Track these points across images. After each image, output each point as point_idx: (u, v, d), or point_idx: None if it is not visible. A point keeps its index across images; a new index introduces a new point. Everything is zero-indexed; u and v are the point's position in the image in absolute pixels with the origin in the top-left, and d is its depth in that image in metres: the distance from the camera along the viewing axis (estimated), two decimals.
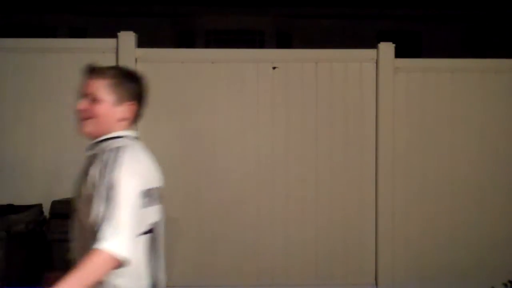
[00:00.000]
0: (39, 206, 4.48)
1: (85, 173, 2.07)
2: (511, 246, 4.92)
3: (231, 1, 8.47)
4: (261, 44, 8.55)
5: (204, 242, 4.81)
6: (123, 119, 2.15)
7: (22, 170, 4.72)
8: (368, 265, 4.86)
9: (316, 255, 4.70)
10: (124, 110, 2.14)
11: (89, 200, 1.97)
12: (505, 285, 4.66)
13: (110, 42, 4.78)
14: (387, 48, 4.88)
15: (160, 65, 4.84)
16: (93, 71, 2.12)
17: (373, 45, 4.93)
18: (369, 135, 4.85)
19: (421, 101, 4.93)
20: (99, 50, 4.78)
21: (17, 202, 4.48)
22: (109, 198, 1.93)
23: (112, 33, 4.81)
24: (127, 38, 4.77)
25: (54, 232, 4.15)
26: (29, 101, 4.75)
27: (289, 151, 4.85)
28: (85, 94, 2.10)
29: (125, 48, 4.74)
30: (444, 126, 4.93)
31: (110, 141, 2.09)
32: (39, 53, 4.77)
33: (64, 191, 4.52)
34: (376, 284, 4.86)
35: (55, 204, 4.29)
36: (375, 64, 4.86)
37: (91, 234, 1.93)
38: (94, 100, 2.08)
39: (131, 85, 2.17)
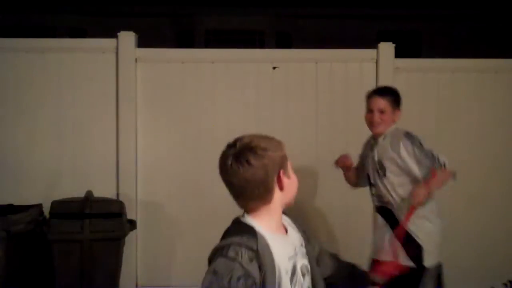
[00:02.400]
0: (39, 206, 4.48)
1: (379, 152, 3.37)
2: (511, 246, 4.93)
3: (231, 1, 8.47)
4: (261, 44, 8.54)
5: (204, 242, 4.81)
6: (394, 121, 3.39)
7: (22, 170, 4.72)
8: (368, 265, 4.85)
9: None
10: (396, 115, 3.39)
11: (402, 163, 3.25)
12: (505, 285, 4.66)
13: (110, 42, 4.78)
14: (387, 48, 4.87)
15: (160, 65, 4.84)
16: (377, 93, 3.41)
17: (373, 45, 4.93)
18: (369, 135, 4.84)
19: (421, 101, 4.92)
20: (99, 50, 4.78)
21: (17, 202, 4.48)
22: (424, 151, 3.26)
23: (112, 33, 4.81)
24: (127, 38, 4.77)
25: (54, 232, 4.15)
26: (29, 101, 4.75)
27: (289, 151, 4.84)
28: (374, 109, 3.37)
29: (125, 48, 4.74)
30: (444, 126, 4.93)
31: (393, 130, 3.37)
32: (39, 53, 4.77)
33: (64, 191, 4.53)
34: None
35: (55, 204, 4.29)
36: (375, 64, 4.86)
37: (402, 188, 3.29)
38: (382, 111, 3.35)
39: (399, 99, 3.41)
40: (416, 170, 3.23)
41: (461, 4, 8.61)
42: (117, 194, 4.72)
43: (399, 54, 4.90)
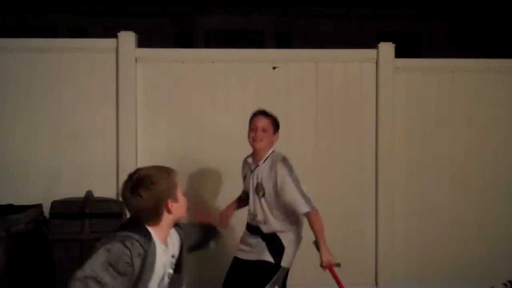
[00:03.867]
0: (39, 206, 4.48)
1: (258, 175, 3.63)
2: (511, 246, 4.93)
3: (231, 1, 8.48)
4: (261, 44, 8.56)
5: None
6: (273, 142, 3.70)
7: (22, 170, 4.71)
8: (368, 265, 4.86)
9: (316, 255, 4.69)
10: (275, 137, 3.69)
11: (276, 189, 3.52)
12: (505, 285, 4.66)
13: (110, 42, 4.77)
14: (387, 48, 4.87)
15: (160, 65, 4.84)
16: (261, 113, 3.69)
17: (373, 45, 4.93)
18: (369, 135, 4.85)
19: (421, 101, 4.92)
20: (99, 50, 4.78)
21: (17, 202, 4.48)
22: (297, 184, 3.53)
23: (112, 33, 4.81)
24: (127, 38, 4.77)
25: (54, 232, 4.15)
26: (29, 101, 4.75)
27: (289, 151, 4.84)
28: (258, 126, 3.64)
29: (125, 48, 4.74)
30: (444, 126, 4.93)
31: (273, 154, 3.67)
32: (39, 53, 4.77)
33: (64, 191, 4.53)
34: (376, 284, 4.86)
35: (55, 204, 4.29)
36: (375, 64, 4.86)
37: (277, 207, 3.57)
38: (264, 130, 3.62)
39: (278, 123, 3.72)
40: (284, 195, 3.52)
41: (461, 4, 8.62)
42: (117, 194, 4.71)
43: (399, 54, 4.89)
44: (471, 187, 4.91)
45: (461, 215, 4.91)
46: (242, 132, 4.86)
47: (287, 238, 3.63)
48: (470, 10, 8.71)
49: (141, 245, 2.15)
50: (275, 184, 3.54)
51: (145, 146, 4.79)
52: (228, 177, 4.81)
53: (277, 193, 3.54)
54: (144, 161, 4.80)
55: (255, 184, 3.65)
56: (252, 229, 3.70)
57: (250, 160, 3.76)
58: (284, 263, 3.62)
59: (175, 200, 2.29)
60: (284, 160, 3.60)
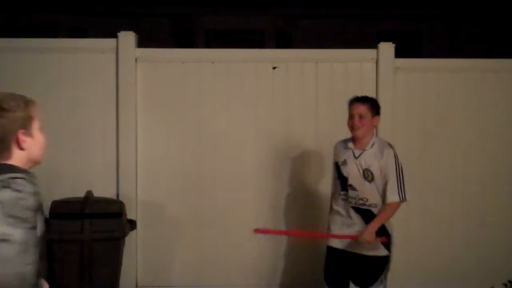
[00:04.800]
0: None
1: (367, 160, 3.63)
2: (511, 246, 4.92)
3: (231, 1, 8.47)
4: (261, 44, 8.55)
5: (204, 242, 4.82)
6: (374, 126, 3.73)
7: None
8: None
9: (317, 255, 4.69)
10: (375, 121, 3.68)
11: (381, 173, 3.60)
12: (505, 285, 4.66)
13: (110, 42, 4.78)
14: (387, 48, 4.87)
15: (160, 65, 4.84)
16: (357, 100, 3.67)
17: (373, 45, 4.93)
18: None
19: (421, 101, 4.92)
20: (99, 50, 4.78)
21: None
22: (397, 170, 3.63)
23: (112, 33, 4.81)
24: (127, 38, 4.77)
25: (54, 232, 4.15)
26: None
27: (289, 151, 4.85)
28: (355, 114, 3.64)
29: (125, 48, 4.74)
30: (444, 126, 4.92)
31: (378, 139, 3.78)
32: (39, 53, 4.77)
33: (64, 191, 4.53)
34: None
35: (55, 204, 4.29)
36: (375, 64, 4.86)
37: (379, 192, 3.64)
38: (361, 116, 3.61)
39: (378, 106, 3.70)
40: (388, 181, 3.61)
41: (461, 4, 8.61)
42: (117, 194, 4.72)
43: (399, 54, 4.89)
44: (471, 187, 4.91)
45: (461, 215, 4.91)
46: (241, 132, 4.88)
47: (388, 224, 3.71)
48: (471, 10, 8.71)
49: (30, 182, 1.94)
50: (381, 168, 3.60)
51: (145, 146, 4.80)
52: (226, 175, 4.81)
53: (382, 177, 3.60)
54: (144, 161, 4.81)
55: (362, 169, 3.64)
56: (363, 212, 3.67)
57: (350, 145, 3.73)
58: (391, 251, 3.75)
59: (29, 134, 2.03)
60: (393, 147, 3.68)
